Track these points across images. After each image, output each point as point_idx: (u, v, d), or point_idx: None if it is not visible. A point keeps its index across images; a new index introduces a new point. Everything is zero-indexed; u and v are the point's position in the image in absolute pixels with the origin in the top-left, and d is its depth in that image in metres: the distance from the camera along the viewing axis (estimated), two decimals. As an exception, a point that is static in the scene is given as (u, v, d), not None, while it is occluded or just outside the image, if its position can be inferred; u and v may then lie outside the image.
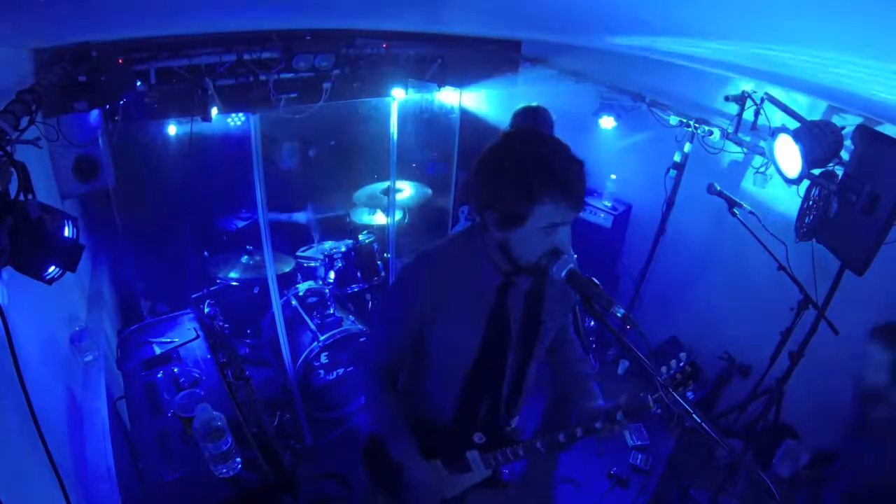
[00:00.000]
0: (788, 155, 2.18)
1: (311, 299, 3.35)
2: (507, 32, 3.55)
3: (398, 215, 3.82)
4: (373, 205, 3.80)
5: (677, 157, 3.26)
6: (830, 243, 2.15)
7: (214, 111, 2.74)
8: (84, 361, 2.04)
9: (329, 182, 4.18)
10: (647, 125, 3.41)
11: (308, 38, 2.84)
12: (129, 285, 3.13)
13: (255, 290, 3.44)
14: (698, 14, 1.15)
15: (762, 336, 2.69)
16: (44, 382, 1.61)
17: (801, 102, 2.44)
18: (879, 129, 1.97)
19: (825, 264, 2.34)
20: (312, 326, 3.11)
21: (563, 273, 1.16)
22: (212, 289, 3.41)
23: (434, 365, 1.44)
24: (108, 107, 2.32)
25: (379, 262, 3.76)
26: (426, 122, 4.21)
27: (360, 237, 3.73)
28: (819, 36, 0.98)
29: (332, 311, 3.23)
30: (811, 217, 2.31)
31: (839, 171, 2.14)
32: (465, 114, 3.79)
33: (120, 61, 2.28)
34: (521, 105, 2.48)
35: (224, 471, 1.72)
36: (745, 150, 2.81)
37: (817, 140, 2.05)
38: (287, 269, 3.41)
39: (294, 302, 3.31)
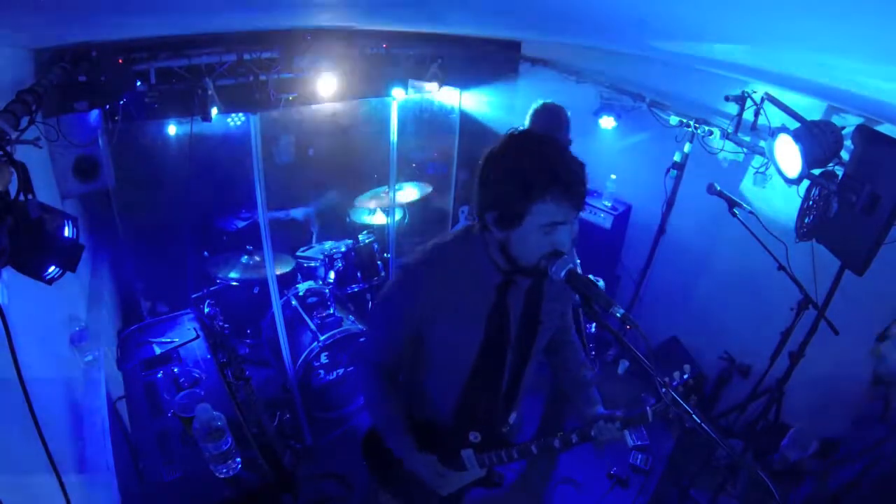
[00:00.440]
0: (788, 155, 2.18)
1: (311, 299, 3.35)
2: (507, 32, 3.55)
3: (398, 215, 3.82)
4: (373, 205, 3.80)
5: (677, 157, 3.26)
6: (830, 243, 2.15)
7: (214, 111, 2.74)
8: (84, 361, 2.04)
9: (329, 182, 4.19)
10: (647, 125, 3.41)
11: (308, 38, 2.84)
12: (129, 285, 3.13)
13: (255, 290, 3.44)
14: (698, 15, 1.14)
15: (762, 336, 2.69)
16: (44, 382, 1.61)
17: (801, 102, 2.44)
18: (879, 129, 1.97)
19: (825, 264, 2.34)
20: (312, 326, 3.11)
21: (563, 273, 1.16)
22: (212, 289, 3.41)
23: (433, 364, 1.44)
24: (108, 107, 2.33)
25: (379, 262, 3.76)
26: (426, 123, 4.21)
27: (360, 237, 3.73)
28: (819, 36, 0.98)
29: (332, 311, 3.23)
30: (811, 217, 2.31)
31: (839, 171, 2.14)
32: (464, 114, 3.79)
33: (120, 61, 2.28)
34: (539, 101, 2.46)
35: (224, 471, 1.72)
36: (745, 150, 2.81)
37: (817, 140, 2.04)
38: (287, 269, 3.41)
39: (294, 302, 3.31)
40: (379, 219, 3.90)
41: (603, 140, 3.84)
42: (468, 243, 1.33)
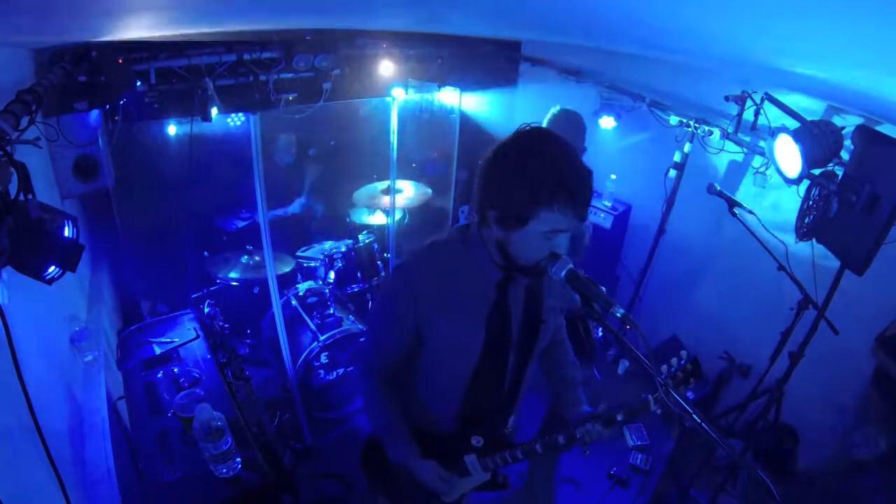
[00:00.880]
0: (788, 155, 2.18)
1: (311, 299, 3.35)
2: (507, 32, 3.55)
3: (398, 215, 3.82)
4: (373, 205, 3.80)
5: (677, 157, 3.26)
6: (830, 243, 2.15)
7: (214, 111, 2.74)
8: (84, 361, 2.04)
9: (329, 181, 4.19)
10: (647, 125, 3.41)
11: (308, 38, 2.84)
12: (129, 285, 3.13)
13: (255, 290, 3.44)
14: (698, 15, 1.15)
15: (762, 336, 2.69)
16: (44, 382, 1.61)
17: (801, 102, 2.44)
18: (879, 129, 1.97)
19: (825, 264, 2.34)
20: (312, 326, 3.11)
21: (563, 273, 1.15)
22: (212, 289, 3.42)
23: (433, 368, 1.41)
24: (108, 107, 2.33)
25: (379, 262, 3.76)
26: (426, 122, 4.21)
27: (360, 237, 3.73)
28: (820, 37, 0.98)
29: (332, 311, 3.23)
30: (811, 217, 2.31)
31: (839, 171, 2.14)
32: (464, 114, 3.79)
33: (120, 61, 2.28)
34: (557, 108, 2.46)
35: (224, 471, 1.72)
36: (745, 150, 2.81)
37: (817, 140, 2.04)
38: (287, 269, 3.41)
39: (294, 302, 3.31)
40: (379, 219, 3.90)
41: (603, 140, 3.84)
42: (466, 241, 1.30)
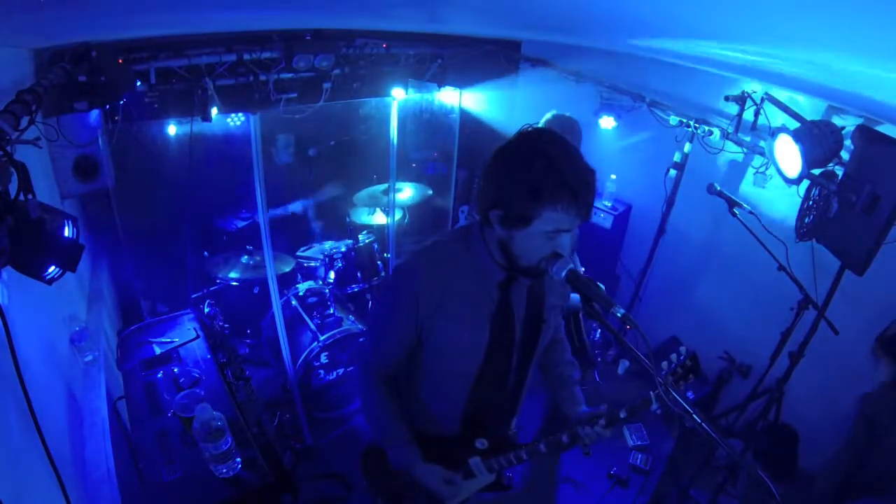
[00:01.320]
0: (788, 155, 2.18)
1: (311, 299, 3.35)
2: (507, 32, 3.55)
3: (398, 215, 3.82)
4: (373, 205, 3.80)
5: (677, 157, 3.26)
6: (830, 243, 2.15)
7: (214, 111, 2.74)
8: (84, 361, 2.04)
9: (329, 182, 4.19)
10: (647, 125, 3.42)
11: (308, 38, 2.84)
12: (129, 285, 3.13)
13: (255, 290, 3.44)
14: (698, 15, 1.15)
15: (762, 336, 2.70)
16: (44, 382, 1.61)
17: (801, 102, 2.44)
18: (879, 129, 1.97)
19: (825, 264, 2.34)
20: (312, 326, 3.11)
21: (563, 273, 1.15)
22: (212, 289, 3.42)
23: (435, 371, 1.40)
24: (108, 107, 2.33)
25: (379, 262, 3.76)
26: (426, 122, 4.21)
27: (360, 237, 3.73)
28: (819, 37, 0.98)
29: (332, 311, 3.23)
30: (811, 217, 2.31)
31: (839, 171, 2.14)
32: (464, 114, 3.79)
33: (120, 61, 2.28)
34: (552, 112, 2.46)
35: (224, 471, 1.72)
36: (745, 150, 2.81)
37: (817, 140, 2.05)
38: (287, 269, 3.41)
39: (294, 302, 3.31)
40: (379, 219, 3.90)
41: (603, 140, 3.84)
42: (468, 241, 1.30)
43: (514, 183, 1.13)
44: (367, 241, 3.72)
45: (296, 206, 4.16)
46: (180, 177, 3.16)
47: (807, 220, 2.34)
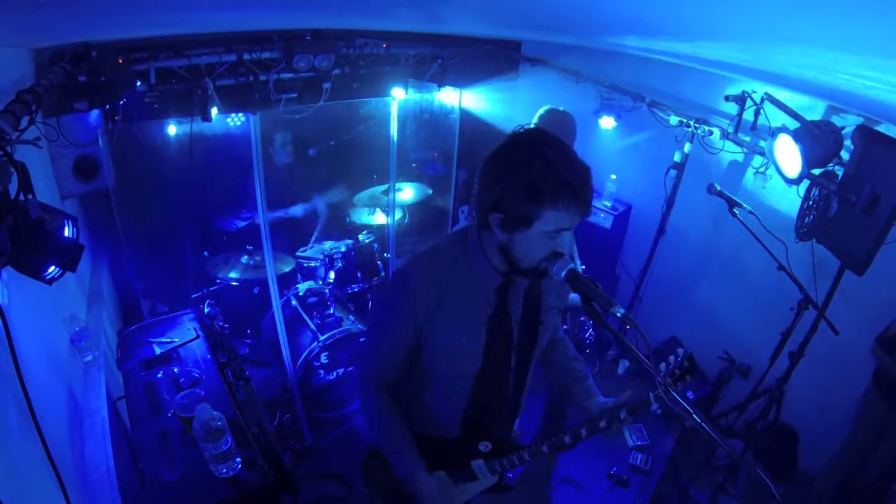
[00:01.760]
0: (788, 155, 2.19)
1: (311, 299, 3.35)
2: (507, 32, 3.55)
3: (398, 215, 3.82)
4: (373, 205, 3.80)
5: (677, 157, 3.26)
6: (830, 243, 2.15)
7: (214, 111, 2.74)
8: (84, 361, 2.04)
9: (329, 182, 4.19)
10: (647, 125, 3.41)
11: (308, 38, 2.84)
12: (129, 285, 3.13)
13: (255, 290, 3.44)
14: (698, 14, 1.15)
15: (762, 336, 2.70)
16: (44, 382, 1.61)
17: (801, 102, 2.44)
18: (879, 129, 1.97)
19: (825, 264, 2.34)
20: (312, 326, 3.11)
21: (563, 273, 1.15)
22: (212, 289, 3.42)
23: (435, 375, 1.40)
24: (108, 107, 2.33)
25: (379, 262, 3.76)
26: (426, 122, 4.21)
27: (360, 237, 3.73)
28: (820, 36, 0.98)
29: (332, 311, 3.23)
30: (811, 217, 2.31)
31: (839, 171, 2.14)
32: (464, 114, 3.79)
33: (120, 61, 2.28)
34: (546, 107, 2.45)
35: (224, 471, 1.72)
36: (745, 150, 2.81)
37: (817, 140, 2.05)
38: (287, 269, 3.41)
39: (294, 302, 3.31)
40: (379, 219, 3.90)
41: (603, 140, 3.84)
42: (465, 245, 1.30)
43: (513, 185, 1.14)
44: (367, 241, 3.72)
45: (297, 211, 4.16)
46: (180, 177, 3.16)
47: (807, 220, 2.34)
